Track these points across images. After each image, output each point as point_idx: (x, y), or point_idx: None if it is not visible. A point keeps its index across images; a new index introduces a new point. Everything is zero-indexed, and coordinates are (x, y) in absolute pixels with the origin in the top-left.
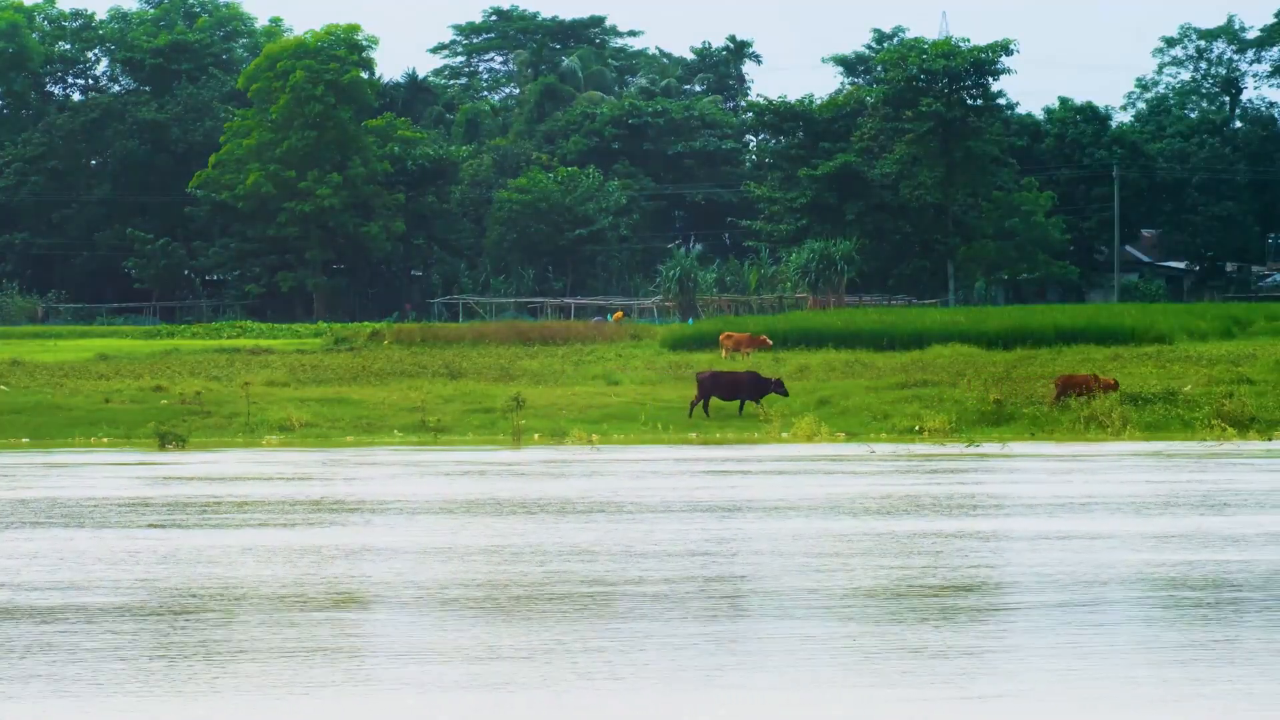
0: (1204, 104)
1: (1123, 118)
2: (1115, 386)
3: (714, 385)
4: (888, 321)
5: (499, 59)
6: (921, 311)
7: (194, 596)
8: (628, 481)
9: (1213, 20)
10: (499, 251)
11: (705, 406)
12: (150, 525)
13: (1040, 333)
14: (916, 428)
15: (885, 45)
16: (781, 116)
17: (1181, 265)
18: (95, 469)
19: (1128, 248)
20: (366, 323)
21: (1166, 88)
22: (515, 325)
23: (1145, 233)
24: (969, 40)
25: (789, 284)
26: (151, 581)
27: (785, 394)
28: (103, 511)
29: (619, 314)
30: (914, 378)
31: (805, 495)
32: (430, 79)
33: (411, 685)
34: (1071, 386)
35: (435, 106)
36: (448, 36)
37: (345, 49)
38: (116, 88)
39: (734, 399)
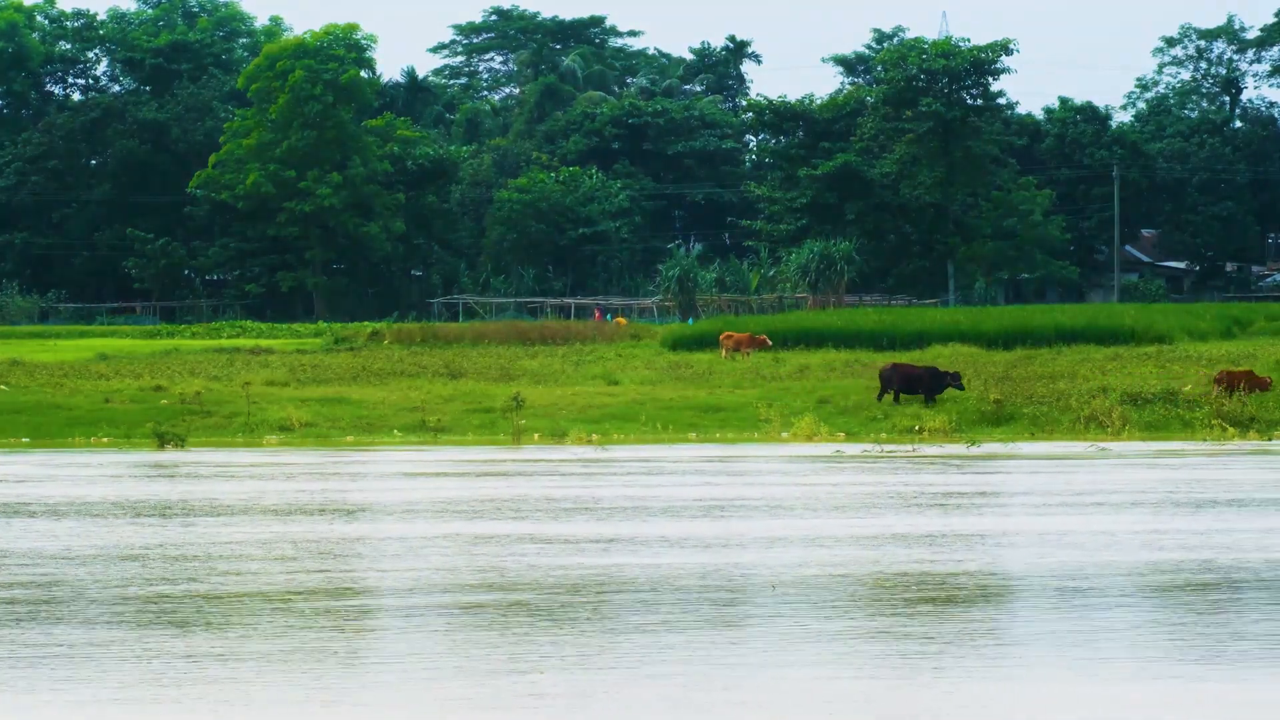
0: (1204, 104)
1: (1123, 118)
2: (1269, 386)
3: (894, 378)
4: (888, 321)
5: (499, 59)
6: (921, 311)
7: (191, 596)
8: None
9: (1213, 20)
10: (499, 251)
11: (896, 396)
12: (145, 522)
13: (1040, 333)
14: (916, 427)
15: (885, 45)
16: (781, 116)
17: (1181, 265)
18: (94, 468)
19: (1128, 248)
20: (366, 323)
21: (1166, 88)
22: (515, 325)
23: (1145, 233)
24: (969, 40)
25: (789, 284)
26: (150, 580)
27: (961, 388)
28: (103, 509)
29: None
30: None
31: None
32: (430, 79)
33: (411, 687)
34: (1231, 382)
35: (435, 106)
36: (448, 36)
37: (344, 49)
38: (116, 88)
39: (913, 393)
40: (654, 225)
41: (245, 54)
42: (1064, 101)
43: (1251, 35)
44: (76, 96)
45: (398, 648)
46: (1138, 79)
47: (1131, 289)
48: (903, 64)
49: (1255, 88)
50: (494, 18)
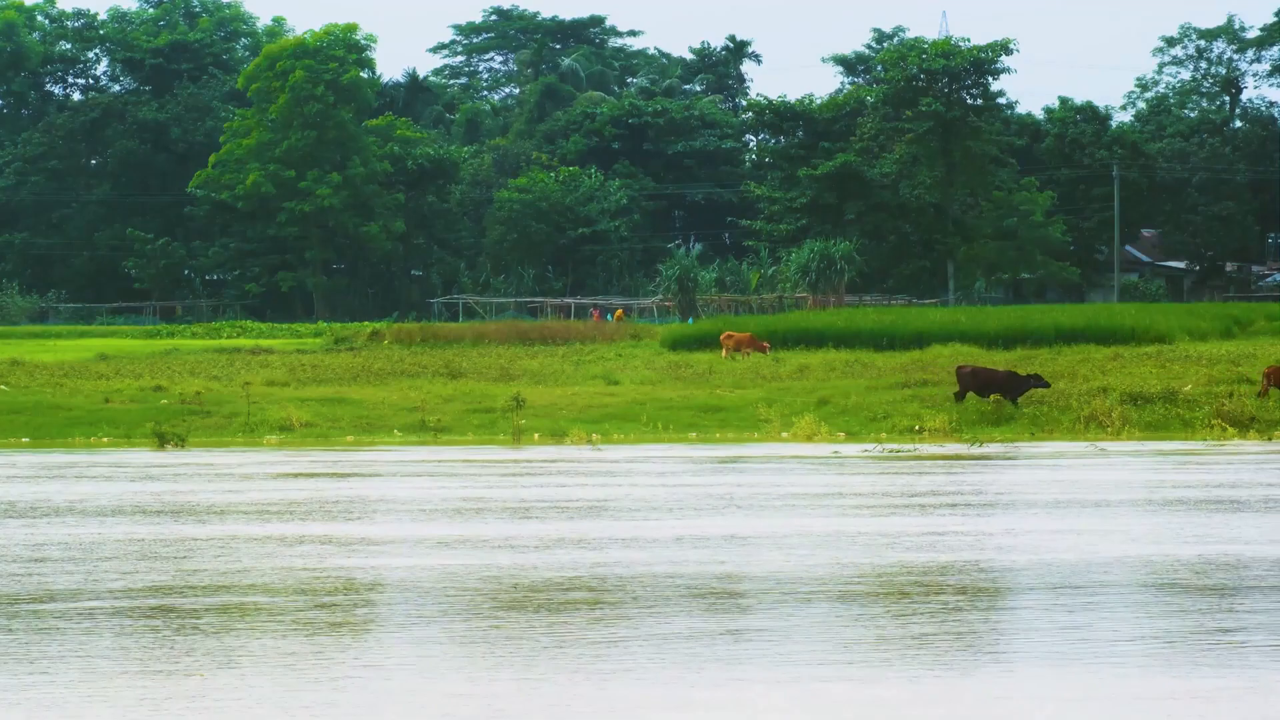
0: (1204, 104)
1: (1123, 118)
2: None
3: (972, 381)
4: (888, 321)
5: (499, 59)
6: (921, 311)
7: (192, 595)
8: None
9: (1213, 20)
10: (499, 251)
11: (961, 397)
12: (144, 521)
13: (1040, 333)
14: (917, 427)
15: (885, 45)
16: (781, 116)
17: (1181, 265)
18: (94, 468)
19: (1128, 248)
20: (366, 323)
21: (1166, 87)
22: (515, 325)
23: (1145, 233)
24: (969, 40)
25: (789, 284)
26: (148, 580)
27: (1046, 385)
28: (103, 509)
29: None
30: (914, 377)
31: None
32: (430, 79)
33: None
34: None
35: (435, 106)
36: (448, 36)
37: (345, 49)
38: (116, 88)
39: (989, 395)
40: (654, 225)
41: (245, 54)
42: (1064, 101)
43: (1251, 35)
44: (76, 96)
45: (390, 650)
46: (1138, 79)
47: (1131, 289)
48: (903, 64)
49: (1255, 88)
50: (494, 18)
